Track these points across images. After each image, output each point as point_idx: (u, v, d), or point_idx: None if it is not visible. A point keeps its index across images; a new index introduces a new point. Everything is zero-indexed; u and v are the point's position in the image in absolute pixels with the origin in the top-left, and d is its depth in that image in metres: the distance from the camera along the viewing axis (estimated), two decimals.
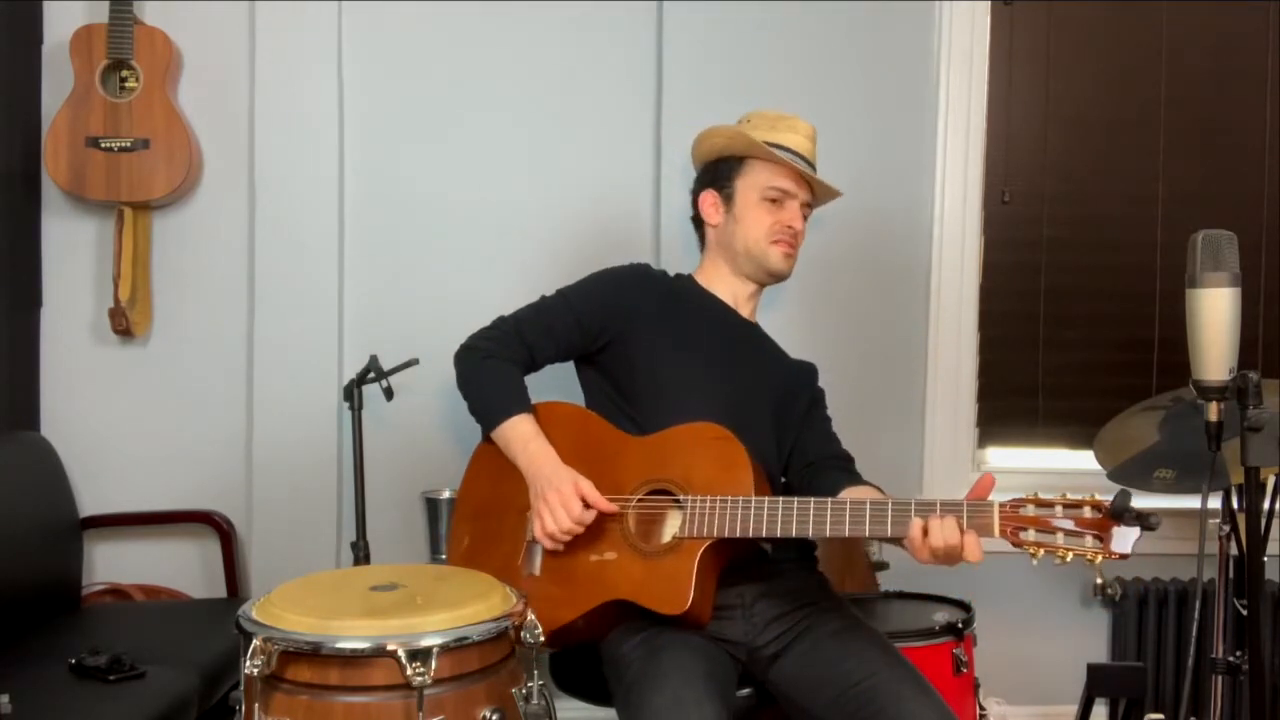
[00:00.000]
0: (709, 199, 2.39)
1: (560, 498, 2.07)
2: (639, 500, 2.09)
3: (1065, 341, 3.19)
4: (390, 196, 3.00)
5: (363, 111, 2.98)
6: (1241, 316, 2.09)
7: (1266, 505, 2.36)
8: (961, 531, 1.83)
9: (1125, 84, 3.15)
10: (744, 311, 2.38)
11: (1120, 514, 1.75)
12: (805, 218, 2.37)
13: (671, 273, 2.42)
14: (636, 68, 3.00)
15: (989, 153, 3.10)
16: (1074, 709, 2.51)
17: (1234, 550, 2.35)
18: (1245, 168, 3.17)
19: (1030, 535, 1.80)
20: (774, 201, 2.33)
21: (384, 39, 2.98)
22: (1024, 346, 3.18)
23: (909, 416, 3.09)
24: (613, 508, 2.08)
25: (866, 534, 1.92)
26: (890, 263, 3.08)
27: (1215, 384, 2.08)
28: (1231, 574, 2.34)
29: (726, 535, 1.99)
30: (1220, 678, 2.31)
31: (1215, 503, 2.35)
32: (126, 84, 2.84)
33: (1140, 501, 2.90)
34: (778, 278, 2.37)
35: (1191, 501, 2.26)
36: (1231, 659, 2.28)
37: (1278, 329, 3.15)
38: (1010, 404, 3.20)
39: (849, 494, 2.12)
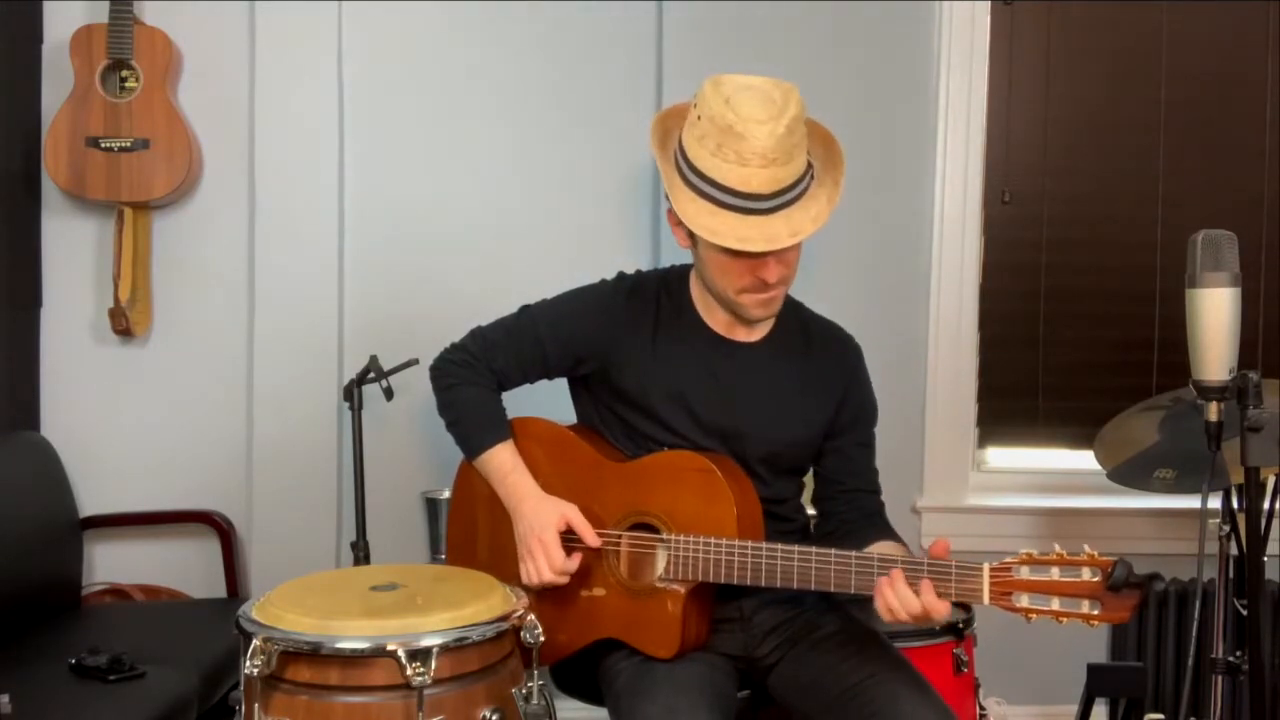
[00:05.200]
0: (673, 219, 2.03)
1: (543, 547, 2.02)
2: (624, 537, 2.05)
3: (1065, 341, 3.18)
4: (390, 196, 3.00)
5: (363, 111, 2.98)
6: (1241, 316, 2.10)
7: (1266, 505, 2.36)
8: (917, 594, 1.77)
9: (1125, 84, 3.15)
10: (742, 332, 2.12)
11: (1119, 587, 1.67)
12: (791, 247, 1.93)
13: (668, 264, 2.24)
14: (636, 68, 3.00)
15: (989, 153, 3.10)
16: (1074, 709, 2.51)
17: (1234, 550, 2.35)
18: (1245, 168, 3.17)
19: (1023, 600, 1.72)
20: (735, 253, 1.93)
21: (384, 39, 2.98)
22: (1024, 346, 3.18)
23: (909, 416, 3.09)
24: (598, 542, 2.04)
25: (852, 591, 1.87)
26: (890, 263, 3.08)
27: (1215, 384, 2.09)
28: (1231, 574, 2.34)
29: (710, 580, 1.95)
30: (1220, 678, 2.31)
31: (1215, 503, 2.35)
32: (126, 84, 2.84)
33: (1141, 501, 2.96)
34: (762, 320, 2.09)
35: (1191, 501, 2.27)
36: (1231, 659, 2.28)
37: (1278, 329, 3.14)
38: (1010, 404, 3.20)
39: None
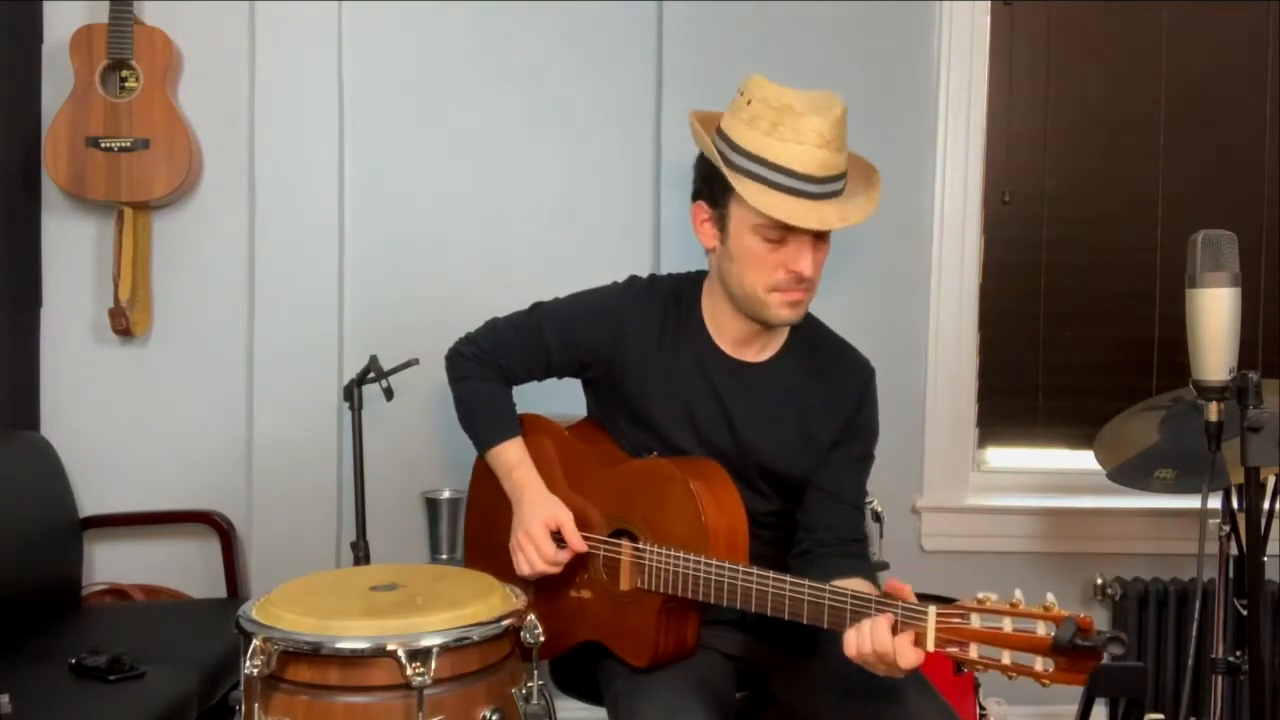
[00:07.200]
0: (702, 214, 2.01)
1: (531, 540, 2.03)
2: (605, 543, 2.04)
3: (1065, 341, 3.18)
4: (390, 196, 3.00)
5: (363, 111, 2.98)
6: (1241, 316, 2.10)
7: (1266, 505, 2.36)
8: (894, 633, 1.64)
9: (1125, 84, 3.15)
10: (750, 351, 2.07)
11: (1062, 648, 1.51)
12: (823, 244, 1.95)
13: (682, 269, 2.20)
14: (636, 67, 3.00)
15: (989, 153, 3.10)
16: (1074, 709, 2.50)
17: (1234, 550, 2.35)
18: (1245, 168, 3.17)
19: (972, 652, 1.58)
20: (774, 241, 1.92)
21: (384, 39, 2.98)
22: (1024, 346, 3.18)
23: (909, 416, 3.09)
24: (583, 546, 2.02)
25: (824, 626, 1.76)
26: (890, 263, 3.08)
27: (1215, 384, 2.09)
28: (1231, 574, 2.35)
29: (678, 594, 1.90)
30: (1220, 678, 2.31)
31: (1215, 503, 2.35)
32: (126, 84, 2.84)
33: (1141, 501, 2.97)
34: (785, 325, 2.04)
35: (1191, 501, 2.27)
36: (1231, 659, 2.29)
37: (1278, 329, 3.15)
38: (1010, 404, 3.20)
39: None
